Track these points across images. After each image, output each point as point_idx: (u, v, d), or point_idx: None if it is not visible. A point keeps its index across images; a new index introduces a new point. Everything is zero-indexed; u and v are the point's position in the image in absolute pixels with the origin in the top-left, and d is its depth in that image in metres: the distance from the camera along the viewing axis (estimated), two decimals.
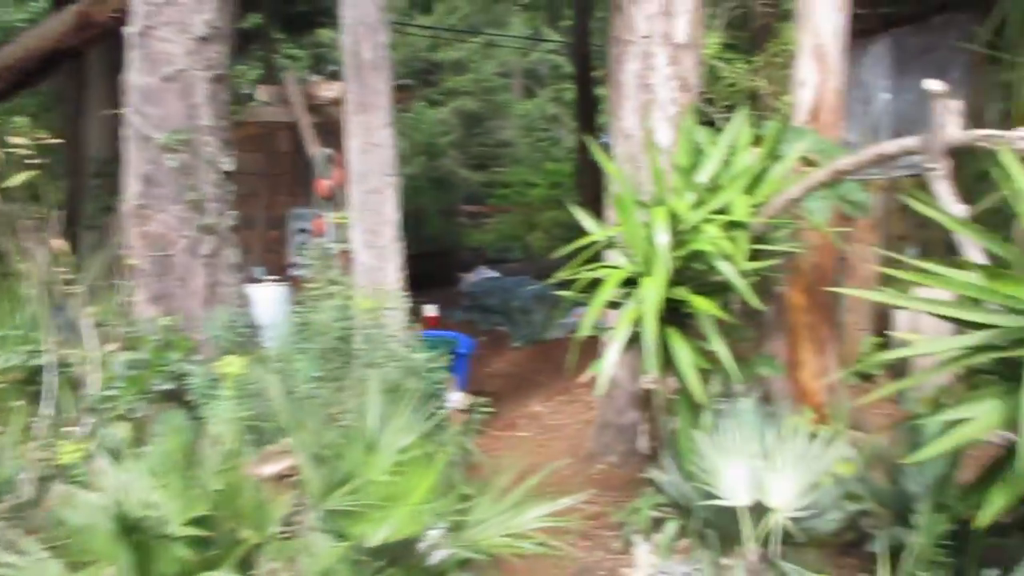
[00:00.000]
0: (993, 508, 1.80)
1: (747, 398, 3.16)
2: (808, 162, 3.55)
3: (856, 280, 5.64)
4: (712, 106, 4.44)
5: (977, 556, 2.14)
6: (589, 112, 12.80)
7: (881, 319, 5.92)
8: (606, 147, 4.38)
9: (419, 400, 2.68)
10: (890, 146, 2.86)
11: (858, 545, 2.87)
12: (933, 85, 2.60)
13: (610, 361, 2.92)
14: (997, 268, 2.09)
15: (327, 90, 4.59)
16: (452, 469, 2.92)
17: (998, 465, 2.06)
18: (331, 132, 4.51)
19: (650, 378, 2.99)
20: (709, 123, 3.77)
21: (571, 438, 5.12)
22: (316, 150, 4.90)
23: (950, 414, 2.12)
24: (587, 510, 3.79)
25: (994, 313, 2.15)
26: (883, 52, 7.25)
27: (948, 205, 2.64)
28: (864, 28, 6.94)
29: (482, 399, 4.30)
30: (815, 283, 4.30)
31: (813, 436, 2.91)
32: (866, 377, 5.56)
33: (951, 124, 2.68)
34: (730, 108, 3.75)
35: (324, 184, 4.79)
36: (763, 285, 4.24)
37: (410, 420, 2.39)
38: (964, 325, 2.23)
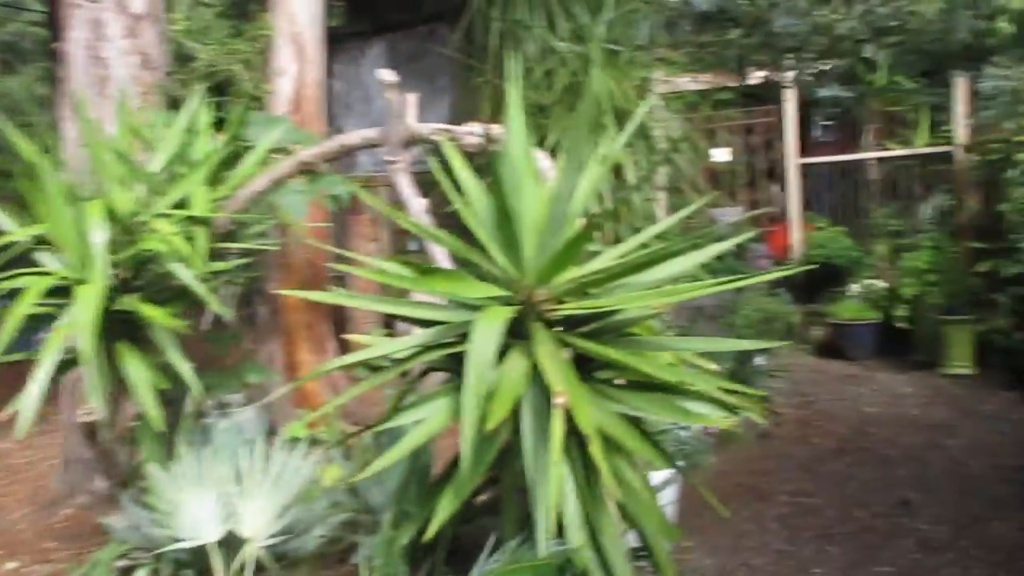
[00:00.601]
0: (441, 517, 1.71)
1: (223, 417, 2.83)
2: (290, 155, 3.33)
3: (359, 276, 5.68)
4: (186, 89, 3.98)
5: (443, 558, 2.09)
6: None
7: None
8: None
9: None
10: (352, 137, 2.76)
11: (350, 555, 2.73)
12: (384, 75, 2.53)
13: (35, 392, 2.34)
14: (428, 265, 2.06)
15: None
16: None
17: (450, 468, 2.02)
18: None
19: (89, 408, 2.47)
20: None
21: (39, 479, 4.25)
22: None
23: (408, 416, 2.03)
24: (39, 571, 3.10)
25: (443, 309, 2.13)
26: (379, 54, 7.49)
27: (408, 199, 2.61)
28: (360, 30, 7.10)
29: None
30: (308, 281, 4.13)
31: (296, 446, 2.69)
32: (376, 370, 5.63)
33: (408, 117, 2.67)
34: (209, 92, 3.36)
35: None
36: (251, 286, 3.94)
37: None
38: (419, 324, 2.18)
